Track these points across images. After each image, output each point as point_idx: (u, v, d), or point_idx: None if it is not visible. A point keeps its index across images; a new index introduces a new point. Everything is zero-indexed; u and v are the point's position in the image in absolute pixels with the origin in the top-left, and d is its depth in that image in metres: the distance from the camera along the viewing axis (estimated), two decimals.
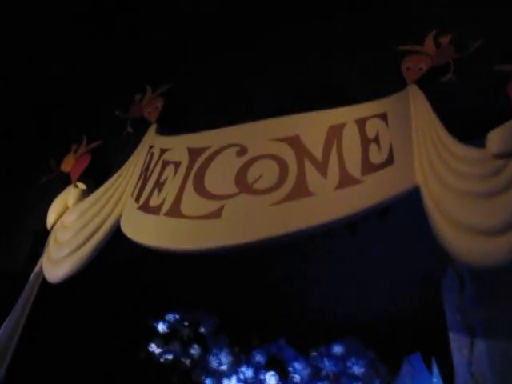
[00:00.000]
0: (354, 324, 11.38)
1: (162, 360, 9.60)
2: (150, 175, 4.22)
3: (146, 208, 3.99)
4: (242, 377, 10.15)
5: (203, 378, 9.79)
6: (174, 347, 9.80)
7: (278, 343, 10.97)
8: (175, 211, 3.75)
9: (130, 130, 4.84)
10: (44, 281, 4.57)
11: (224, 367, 10.09)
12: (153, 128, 4.63)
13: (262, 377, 10.44)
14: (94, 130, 5.63)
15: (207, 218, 3.57)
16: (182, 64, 5.68)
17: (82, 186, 4.90)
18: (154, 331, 9.86)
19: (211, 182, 3.82)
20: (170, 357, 9.73)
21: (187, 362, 9.80)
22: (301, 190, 3.36)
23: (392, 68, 3.83)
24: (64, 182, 5.22)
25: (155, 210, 3.90)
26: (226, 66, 5.47)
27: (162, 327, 9.84)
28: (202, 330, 9.90)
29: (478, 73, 3.63)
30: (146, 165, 4.35)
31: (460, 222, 2.71)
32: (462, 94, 3.56)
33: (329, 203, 3.23)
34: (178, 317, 9.97)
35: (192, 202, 3.76)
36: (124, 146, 4.78)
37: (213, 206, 3.61)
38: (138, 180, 4.27)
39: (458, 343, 5.71)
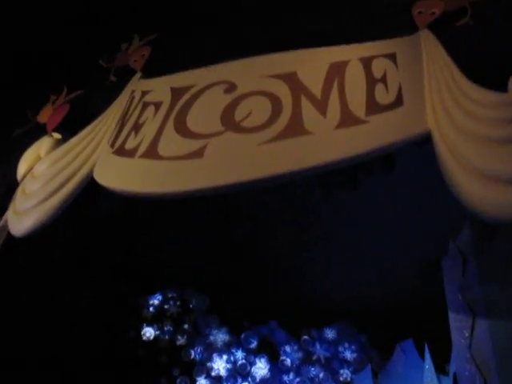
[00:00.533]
0: (347, 309, 11.30)
1: (151, 339, 9.49)
2: (129, 119, 3.95)
3: (120, 152, 3.73)
4: (231, 358, 10.05)
5: (193, 357, 9.68)
6: (164, 326, 9.68)
7: (270, 325, 10.86)
8: (152, 153, 3.47)
9: (113, 78, 4.61)
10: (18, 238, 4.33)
11: (216, 346, 10.00)
12: (137, 76, 4.37)
13: (252, 359, 10.34)
14: (76, 79, 5.32)
15: (187, 158, 3.27)
16: (169, 12, 5.37)
17: (57, 135, 4.64)
18: (143, 310, 9.74)
19: (194, 120, 3.50)
20: (160, 336, 9.61)
21: (177, 341, 9.68)
22: (295, 129, 3.07)
23: (402, 13, 3.56)
24: (40, 133, 4.92)
25: (130, 153, 3.62)
26: (215, 10, 5.13)
27: (151, 306, 9.70)
28: (193, 309, 9.76)
29: (497, 16, 3.40)
30: (125, 110, 4.08)
31: (475, 168, 2.48)
32: (480, 38, 3.33)
33: (327, 143, 2.95)
34: (168, 295, 9.84)
35: (171, 143, 3.47)
36: (106, 96, 4.49)
37: (194, 145, 3.30)
38: (116, 126, 3.99)
39: (458, 323, 5.53)
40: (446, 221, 5.67)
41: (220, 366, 9.89)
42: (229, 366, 10.01)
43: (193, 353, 9.58)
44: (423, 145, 2.92)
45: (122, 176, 3.60)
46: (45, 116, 4.98)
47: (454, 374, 10.99)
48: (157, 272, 9.19)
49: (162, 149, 3.45)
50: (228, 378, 9.89)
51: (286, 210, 6.98)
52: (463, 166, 2.53)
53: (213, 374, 9.78)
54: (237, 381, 9.96)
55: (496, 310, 4.71)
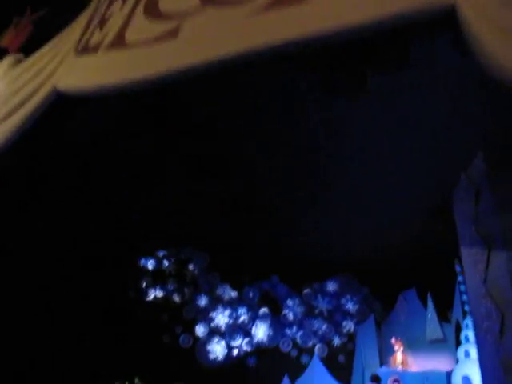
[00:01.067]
0: (348, 261, 11.25)
1: (152, 298, 9.44)
2: (94, 18, 3.65)
3: (84, 51, 3.43)
4: (234, 314, 10.03)
5: (195, 314, 9.65)
6: (165, 285, 9.62)
7: (271, 280, 10.81)
8: (118, 42, 3.19)
9: None
10: None
11: (218, 303, 9.97)
12: None
13: (254, 314, 10.32)
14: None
15: (159, 40, 2.97)
16: None
17: (18, 55, 4.38)
18: (143, 269, 9.66)
19: (167, 1, 3.17)
20: (160, 295, 9.55)
21: (179, 299, 9.64)
22: None
23: None
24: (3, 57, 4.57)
25: (94, 49, 3.33)
26: None
27: (151, 265, 9.61)
28: (193, 267, 9.68)
29: None
30: (91, 14, 3.77)
31: (506, 27, 2.19)
32: None
33: (329, 10, 2.53)
34: (167, 254, 9.74)
35: (141, 27, 3.17)
36: (71, 14, 4.11)
37: (167, 26, 2.99)
38: (82, 31, 3.71)
39: (472, 258, 5.34)
40: (452, 158, 5.47)
41: (222, 321, 9.87)
42: (231, 321, 9.99)
43: (195, 310, 9.52)
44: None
45: (85, 74, 3.34)
46: (7, 39, 4.63)
47: (457, 321, 11.08)
48: (155, 231, 9.05)
49: (130, 35, 3.18)
50: (231, 333, 9.88)
51: (284, 162, 6.76)
52: (492, 26, 2.22)
53: (215, 330, 9.76)
54: (240, 336, 9.96)
55: None
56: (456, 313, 11.71)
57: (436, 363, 11.17)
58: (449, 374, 10.41)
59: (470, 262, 5.33)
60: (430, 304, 12.13)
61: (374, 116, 4.73)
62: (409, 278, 11.20)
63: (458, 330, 11.26)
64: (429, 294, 12.10)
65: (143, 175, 6.78)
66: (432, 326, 12.06)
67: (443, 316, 12.19)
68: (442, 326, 11.95)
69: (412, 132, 5.12)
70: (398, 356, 11.05)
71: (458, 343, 10.72)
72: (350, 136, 5.45)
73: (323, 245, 9.71)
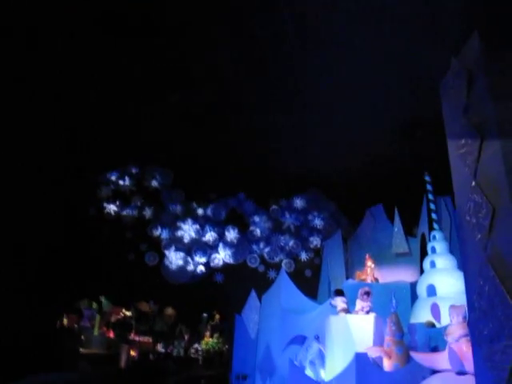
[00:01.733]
0: (317, 176, 11.09)
1: (116, 216, 9.19)
2: None
3: None
4: (200, 231, 9.91)
5: (160, 231, 9.48)
6: (129, 202, 9.36)
7: (238, 197, 10.66)
8: None
9: None
10: None
11: (183, 220, 9.80)
12: None
13: (220, 231, 10.22)
14: None
15: None
16: None
17: None
18: (106, 185, 9.34)
19: None
20: (124, 212, 9.30)
21: (143, 216, 9.42)
22: None
23: None
24: None
25: None
26: None
27: (112, 183, 9.28)
28: (157, 184, 9.39)
29: None
30: None
31: None
32: None
33: None
34: (130, 171, 9.41)
35: None
36: None
37: None
38: None
39: (461, 150, 5.02)
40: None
41: (189, 239, 9.75)
42: (197, 238, 9.89)
43: (160, 228, 9.34)
44: None
45: None
46: None
47: (422, 234, 11.23)
48: (117, 148, 8.65)
49: None
50: (197, 250, 9.80)
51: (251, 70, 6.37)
52: None
53: (181, 247, 9.65)
54: (206, 253, 9.89)
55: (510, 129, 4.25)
56: (422, 226, 11.84)
57: (401, 275, 11.41)
58: (413, 285, 10.62)
59: (458, 157, 5.03)
60: (397, 219, 12.21)
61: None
62: (376, 194, 11.20)
63: (424, 243, 11.43)
64: (396, 209, 12.21)
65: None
66: (398, 240, 12.20)
67: (409, 231, 12.37)
68: (407, 240, 12.15)
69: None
70: (369, 271, 11.18)
71: (423, 256, 10.92)
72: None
73: (291, 161, 9.49)
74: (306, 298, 10.45)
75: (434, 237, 10.16)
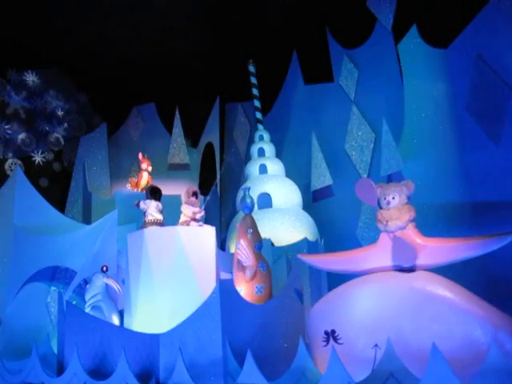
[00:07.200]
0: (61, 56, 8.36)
1: None
2: None
3: None
4: None
5: None
6: None
7: None
8: None
9: None
10: None
11: None
12: None
13: None
14: None
15: None
16: None
17: None
18: None
19: None
20: None
21: None
22: None
23: None
24: None
25: None
26: None
27: None
28: None
29: None
30: None
31: None
32: None
33: None
34: None
35: None
36: None
37: None
38: None
39: None
40: None
41: None
42: None
43: None
44: None
45: None
46: None
47: (208, 144, 9.76)
48: None
49: None
50: None
51: None
52: None
53: None
54: None
55: None
56: (208, 134, 9.78)
57: (176, 190, 8.97)
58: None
59: None
60: (178, 122, 9.78)
61: None
62: (149, 91, 9.21)
63: (211, 154, 9.64)
64: (176, 111, 9.81)
65: None
66: (175, 148, 9.86)
67: (190, 132, 10.28)
68: (188, 151, 10.00)
69: None
70: (145, 175, 8.57)
71: (205, 169, 9.29)
72: None
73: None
74: (58, 213, 7.43)
75: (262, 137, 8.80)
